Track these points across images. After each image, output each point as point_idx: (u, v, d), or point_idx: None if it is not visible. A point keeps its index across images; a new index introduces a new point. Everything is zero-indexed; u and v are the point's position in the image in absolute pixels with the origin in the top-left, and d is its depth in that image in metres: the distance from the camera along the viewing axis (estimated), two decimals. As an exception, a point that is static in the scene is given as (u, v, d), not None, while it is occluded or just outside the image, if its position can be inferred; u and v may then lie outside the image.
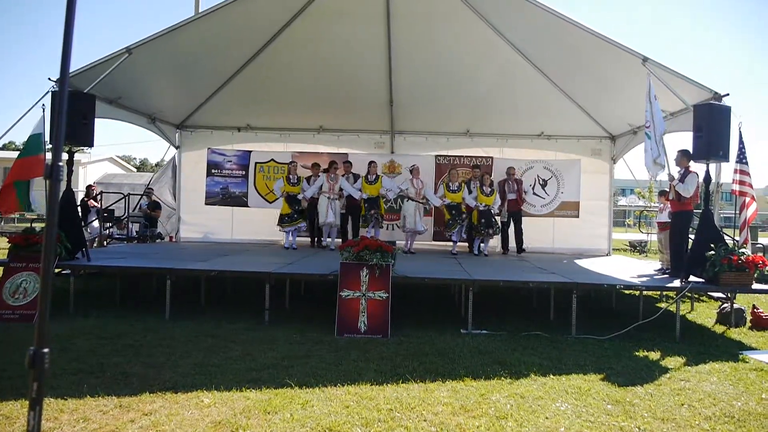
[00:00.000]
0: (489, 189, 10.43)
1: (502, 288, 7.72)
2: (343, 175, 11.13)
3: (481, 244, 10.53)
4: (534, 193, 12.09)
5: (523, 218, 11.40)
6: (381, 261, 6.47)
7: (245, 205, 12.43)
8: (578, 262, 10.08)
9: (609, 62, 8.66)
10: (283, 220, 10.71)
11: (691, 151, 7.32)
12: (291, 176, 10.75)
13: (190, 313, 7.18)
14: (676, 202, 7.58)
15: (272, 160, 12.47)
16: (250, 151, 12.53)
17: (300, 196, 10.57)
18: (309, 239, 11.69)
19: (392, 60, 10.39)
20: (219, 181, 12.46)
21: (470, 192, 10.48)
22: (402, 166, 12.23)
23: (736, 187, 7.64)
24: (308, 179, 11.18)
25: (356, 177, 10.80)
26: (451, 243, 10.89)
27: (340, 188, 10.58)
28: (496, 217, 10.66)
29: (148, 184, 13.17)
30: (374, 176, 10.60)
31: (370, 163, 10.77)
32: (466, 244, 11.21)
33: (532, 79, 10.46)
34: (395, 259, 6.88)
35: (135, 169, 40.77)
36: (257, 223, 12.34)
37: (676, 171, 7.61)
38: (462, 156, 12.44)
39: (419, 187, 10.60)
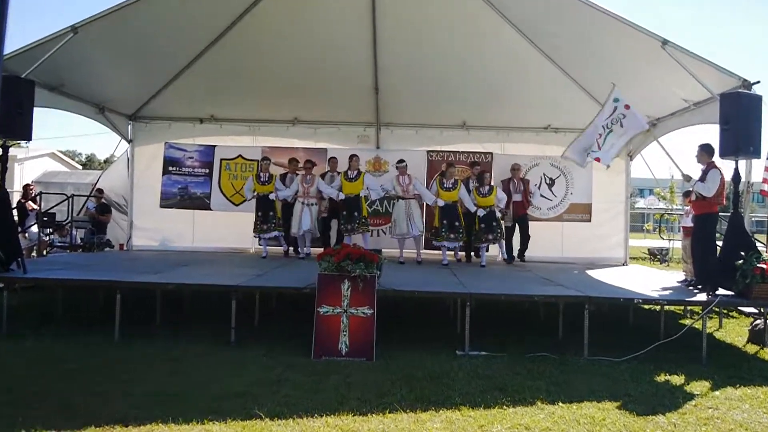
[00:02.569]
0: (487, 188, 10.47)
1: (504, 303, 7.75)
2: (324, 174, 11.15)
3: (479, 253, 10.57)
4: (540, 195, 12.15)
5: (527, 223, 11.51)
6: (365, 272, 6.47)
7: (207, 207, 12.40)
8: (590, 272, 10.15)
9: (624, 47, 8.72)
10: (256, 227, 10.76)
11: (713, 145, 7.38)
12: (261, 174, 10.73)
13: (143, 333, 7.12)
14: (699, 203, 7.62)
15: (240, 156, 12.46)
16: (214, 146, 12.50)
17: (272, 196, 10.59)
18: (282, 248, 11.66)
19: (377, 42, 10.38)
20: (177, 181, 12.41)
21: (469, 192, 10.54)
22: (389, 163, 12.24)
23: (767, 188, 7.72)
24: (283, 177, 11.22)
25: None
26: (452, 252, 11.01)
27: (318, 190, 10.60)
28: (500, 221, 10.67)
29: (96, 184, 13.06)
30: (355, 172, 10.57)
31: (351, 156, 10.77)
32: (463, 252, 11.25)
33: (538, 65, 10.51)
34: (381, 270, 6.89)
35: (80, 167, 40.44)
36: (222, 229, 12.30)
37: (698, 169, 7.66)
38: (458, 152, 12.51)
39: (406, 184, 10.56)
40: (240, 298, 6.85)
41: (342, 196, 10.44)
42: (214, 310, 8.10)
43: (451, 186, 10.43)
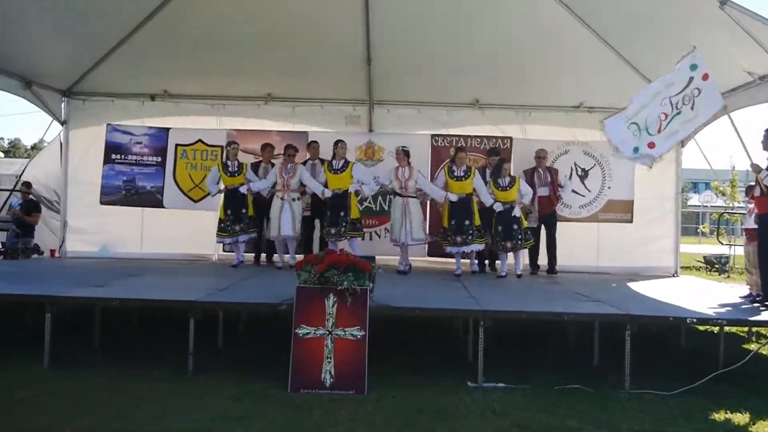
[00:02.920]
0: (507, 180, 10.48)
1: (526, 323, 7.75)
2: (304, 163, 11.14)
3: (496, 262, 10.57)
4: (571, 190, 12.15)
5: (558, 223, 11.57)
6: (354, 285, 6.48)
7: (160, 205, 12.38)
8: (632, 285, 10.17)
9: (674, 8, 8.73)
10: (221, 228, 10.74)
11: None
12: (230, 163, 10.75)
13: (80, 359, 7.09)
14: (764, 199, 7.61)
15: (200, 141, 12.43)
16: (168, 129, 12.48)
17: (243, 188, 10.61)
18: (253, 254, 11.76)
19: (370, 1, 10.40)
20: (122, 171, 12.38)
21: (485, 183, 10.58)
22: (384, 150, 12.29)
23: None
24: (255, 167, 11.23)
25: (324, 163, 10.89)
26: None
27: (301, 183, 10.59)
28: (522, 223, 10.57)
29: (21, 176, 13.00)
30: (341, 162, 10.52)
31: (337, 142, 10.69)
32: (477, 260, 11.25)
33: (569, 30, 10.48)
34: (375, 282, 6.88)
35: (1, 154, 40.37)
36: (178, 231, 12.30)
37: (763, 158, 7.67)
38: (469, 136, 12.54)
39: (405, 178, 10.44)
40: (200, 317, 6.82)
41: (328, 193, 10.40)
42: (167, 332, 8.08)
43: (462, 174, 10.37)
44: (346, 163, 10.56)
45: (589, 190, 12.31)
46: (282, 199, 10.48)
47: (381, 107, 12.65)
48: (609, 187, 12.32)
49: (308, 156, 11.34)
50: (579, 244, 12.07)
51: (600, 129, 8.86)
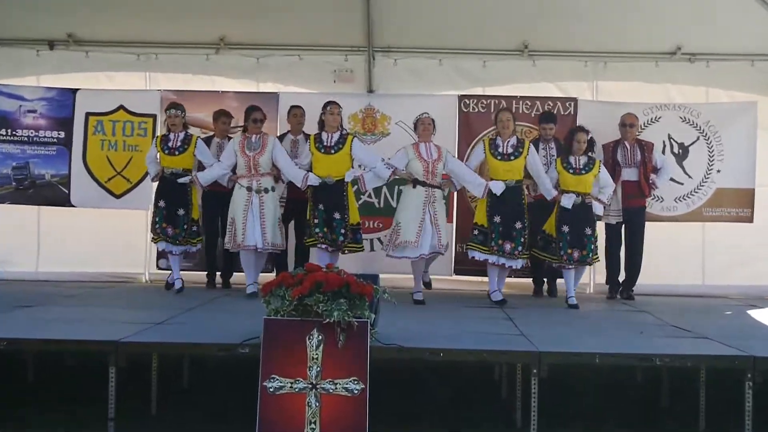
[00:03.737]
0: (583, 159, 10.46)
1: (598, 370, 7.74)
2: (282, 137, 11.23)
3: (560, 280, 10.57)
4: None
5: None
6: (349, 316, 6.41)
7: (65, 202, 12.41)
8: (754, 314, 10.19)
9: None
10: (156, 230, 10.67)
11: None
12: (171, 136, 10.74)
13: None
14: None
15: (121, 108, 12.41)
16: (75, 91, 12.48)
17: (185, 179, 10.60)
18: (206, 274, 11.81)
19: None
20: (10, 153, 12.43)
21: (545, 164, 10.63)
22: (390, 119, 12.31)
23: None
24: (205, 142, 11.18)
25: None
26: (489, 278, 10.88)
27: (274, 166, 10.52)
28: (595, 223, 10.59)
29: None
30: (335, 135, 10.44)
31: (326, 105, 10.54)
32: (529, 279, 11.25)
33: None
34: (378, 313, 6.91)
35: None
36: (92, 240, 12.34)
37: None
38: (515, 97, 12.51)
39: (433, 159, 10.27)
40: (125, 364, 6.80)
41: (314, 180, 10.27)
42: (79, 385, 8.12)
43: (511, 150, 10.33)
44: (343, 137, 10.47)
45: (689, 176, 12.25)
46: (248, 189, 10.34)
47: (385, 57, 12.67)
48: (719, 171, 12.25)
49: (288, 128, 11.43)
50: (675, 254, 12.12)
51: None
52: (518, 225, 10.17)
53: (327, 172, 10.25)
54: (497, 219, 10.18)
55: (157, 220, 10.68)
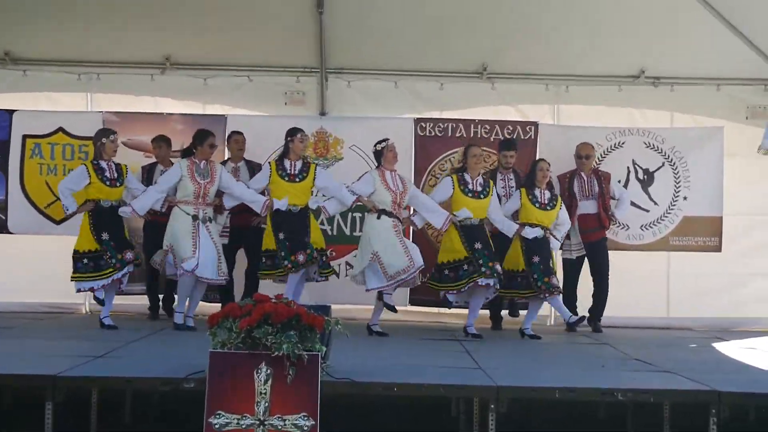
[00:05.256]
0: (547, 194, 10.56)
1: (559, 405, 7.72)
2: (226, 161, 11.20)
3: (521, 312, 10.60)
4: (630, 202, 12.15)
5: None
6: (299, 349, 6.34)
7: (2, 229, 12.26)
8: (721, 347, 10.23)
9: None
10: (79, 266, 10.35)
11: None
12: (104, 164, 10.44)
13: None
14: None
15: (61, 130, 12.29)
16: (12, 112, 12.32)
17: (125, 211, 10.34)
18: (149, 303, 11.74)
19: None
20: (-61, 177, 12.32)
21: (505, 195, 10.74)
22: (344, 142, 12.27)
23: None
24: (149, 170, 11.23)
25: (252, 166, 10.93)
26: (448, 308, 11.00)
27: (220, 192, 10.46)
28: (555, 250, 10.73)
29: None
30: (298, 164, 10.45)
31: (294, 133, 10.53)
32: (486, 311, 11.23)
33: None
34: (329, 344, 6.86)
35: None
36: (30, 269, 12.23)
37: None
38: (473, 120, 12.49)
39: (401, 190, 10.38)
40: (62, 400, 6.72)
41: (281, 204, 10.21)
42: (13, 422, 7.99)
43: (480, 188, 10.44)
44: (306, 165, 10.52)
45: (655, 203, 12.32)
46: (193, 218, 10.19)
47: (338, 78, 12.67)
48: (685, 198, 12.31)
49: (227, 155, 11.42)
50: (640, 285, 12.15)
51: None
52: (487, 253, 10.24)
53: (291, 201, 10.26)
54: (478, 245, 10.24)
55: (87, 257, 10.37)
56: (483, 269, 10.06)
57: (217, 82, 12.61)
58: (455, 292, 10.40)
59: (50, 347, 8.62)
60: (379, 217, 10.32)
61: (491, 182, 10.56)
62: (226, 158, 11.39)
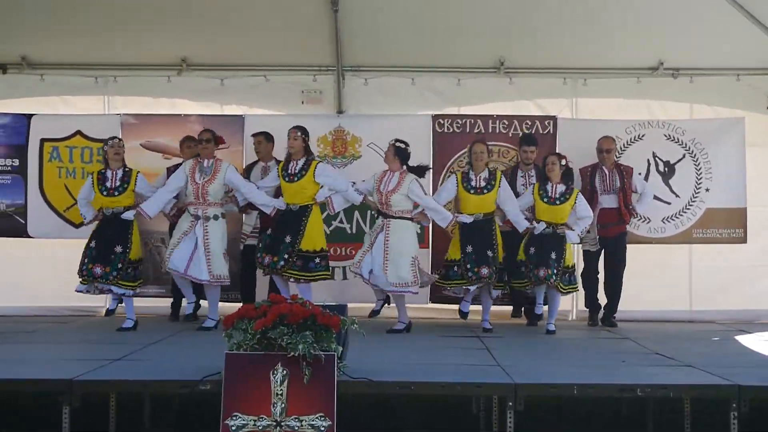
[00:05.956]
0: (560, 187, 10.54)
1: (578, 401, 7.74)
2: (252, 166, 11.41)
3: (537, 307, 10.67)
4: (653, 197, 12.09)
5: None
6: (315, 350, 6.37)
7: (22, 233, 12.34)
8: (744, 340, 10.21)
9: None
10: (83, 270, 10.35)
11: None
12: (109, 173, 10.51)
13: None
14: None
15: (79, 133, 12.35)
16: (30, 116, 12.40)
17: (129, 215, 10.32)
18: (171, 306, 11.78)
19: None
20: (-43, 181, 12.40)
21: (518, 190, 10.73)
22: (362, 141, 12.29)
23: None
24: (173, 170, 11.12)
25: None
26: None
27: (228, 193, 10.55)
28: (563, 250, 10.56)
29: None
30: (300, 162, 10.51)
31: (291, 129, 10.64)
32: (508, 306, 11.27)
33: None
34: (347, 346, 6.88)
35: None
36: (49, 273, 12.23)
37: None
38: (491, 116, 12.51)
39: (389, 189, 10.38)
40: (78, 404, 6.74)
41: (282, 204, 10.40)
42: (32, 427, 8.05)
43: (483, 184, 10.47)
44: (307, 162, 10.52)
45: (676, 195, 12.27)
46: (195, 216, 10.32)
47: (355, 76, 12.67)
48: (707, 190, 12.26)
49: (257, 156, 11.47)
50: (661, 277, 12.13)
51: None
52: (489, 253, 10.29)
53: (292, 199, 10.38)
54: (469, 248, 10.32)
55: (85, 261, 10.37)
56: (469, 274, 10.26)
57: (233, 82, 12.62)
58: (448, 288, 10.70)
59: (68, 351, 8.71)
60: (377, 217, 10.60)
61: (499, 175, 10.57)
62: (257, 159, 11.50)
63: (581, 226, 10.56)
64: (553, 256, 10.36)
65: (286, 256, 10.18)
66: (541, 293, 10.62)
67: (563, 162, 10.68)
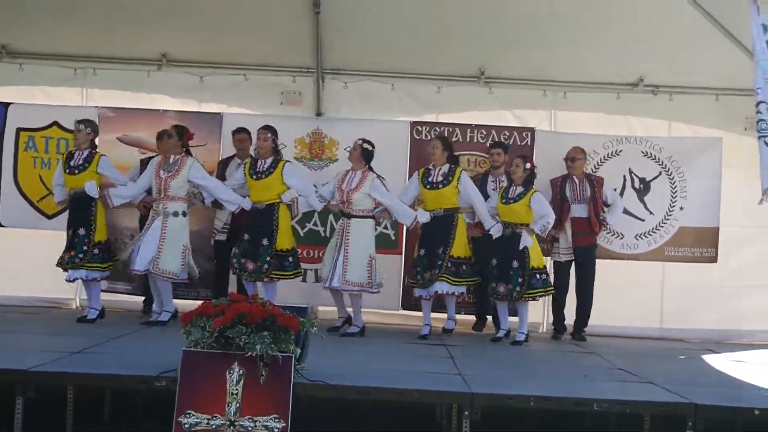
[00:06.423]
0: (518, 189, 10.49)
1: (535, 414, 7.75)
2: (228, 161, 11.49)
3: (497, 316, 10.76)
4: (624, 210, 12.17)
5: (597, 261, 11.57)
6: (272, 350, 6.35)
7: (-7, 223, 12.37)
8: (709, 359, 10.24)
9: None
10: (63, 259, 10.47)
11: None
12: (76, 153, 10.63)
13: None
14: None
15: (56, 124, 12.40)
16: (7, 105, 12.43)
17: (91, 189, 10.41)
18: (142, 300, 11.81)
19: None
20: (-69, 170, 12.35)
21: (488, 194, 10.76)
22: (339, 144, 12.31)
23: None
24: (146, 162, 11.19)
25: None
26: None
27: (192, 189, 10.53)
28: (526, 256, 10.42)
29: None
30: (267, 161, 10.56)
31: (260, 131, 10.69)
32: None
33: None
34: (307, 347, 6.89)
35: None
36: (21, 263, 12.26)
37: None
38: (469, 125, 12.56)
39: (351, 187, 10.42)
40: (33, 395, 6.75)
41: (249, 204, 10.43)
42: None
43: (440, 179, 10.51)
44: (275, 162, 10.57)
45: (650, 212, 12.31)
46: (155, 212, 10.38)
47: (335, 79, 12.67)
48: (681, 208, 12.32)
49: (234, 151, 11.52)
50: (633, 294, 12.15)
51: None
52: (441, 250, 10.30)
53: (259, 197, 10.40)
54: (422, 251, 10.49)
55: (71, 247, 10.50)
56: (418, 277, 10.44)
57: (213, 80, 12.65)
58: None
59: (31, 342, 8.68)
60: (338, 219, 10.71)
61: (458, 171, 10.57)
62: (233, 154, 11.58)
63: (538, 225, 10.41)
64: (515, 265, 10.30)
65: (268, 259, 10.22)
66: (504, 313, 10.67)
67: (527, 165, 10.62)
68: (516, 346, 10.43)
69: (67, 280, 10.74)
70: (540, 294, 10.69)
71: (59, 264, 10.54)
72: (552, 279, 11.09)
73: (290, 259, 10.53)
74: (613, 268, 11.91)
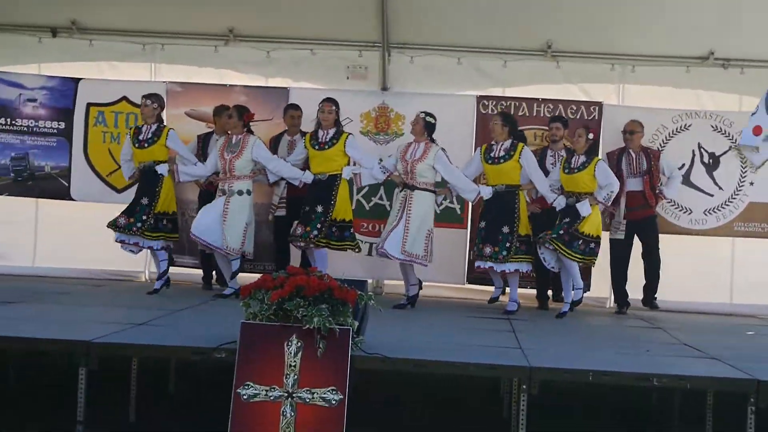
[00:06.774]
0: (581, 159, 10.42)
1: (597, 390, 7.73)
2: (279, 137, 11.40)
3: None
4: (690, 183, 12.06)
5: (660, 235, 11.44)
6: (330, 323, 6.37)
7: (65, 195, 12.50)
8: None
9: None
10: (118, 223, 10.52)
11: None
12: (144, 128, 10.72)
13: None
14: None
15: (125, 99, 12.46)
16: (78, 80, 12.54)
17: (162, 169, 10.58)
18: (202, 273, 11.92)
19: None
20: (9, 143, 12.51)
21: (547, 169, 10.70)
22: (405, 119, 12.19)
23: None
24: (205, 139, 11.41)
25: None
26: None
27: (256, 166, 10.57)
28: (578, 222, 10.31)
29: None
30: (330, 132, 10.57)
31: (321, 102, 10.70)
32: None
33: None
34: (365, 319, 6.92)
35: None
36: (93, 235, 12.12)
37: None
38: (535, 99, 12.45)
39: (415, 158, 10.33)
40: (96, 367, 6.80)
41: (310, 177, 10.48)
42: (52, 389, 8.14)
43: (502, 153, 10.40)
44: (338, 133, 10.59)
45: (720, 187, 12.12)
46: (221, 191, 10.47)
47: (401, 54, 12.58)
48: (752, 183, 12.13)
49: (285, 127, 11.52)
50: (702, 269, 12.00)
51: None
52: (505, 229, 10.20)
53: (320, 168, 10.45)
54: (482, 224, 10.41)
55: (125, 216, 10.59)
56: (475, 250, 10.48)
57: (280, 54, 12.62)
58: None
59: (95, 314, 8.77)
60: (401, 190, 10.55)
61: (520, 146, 10.40)
62: (282, 131, 11.56)
63: (602, 194, 10.32)
64: (568, 226, 10.22)
65: (318, 226, 10.20)
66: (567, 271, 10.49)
67: (590, 136, 10.57)
68: (563, 317, 10.44)
69: (117, 240, 10.74)
70: (587, 261, 10.56)
71: (110, 225, 10.60)
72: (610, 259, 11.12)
73: (351, 230, 10.61)
74: (681, 243, 11.77)
